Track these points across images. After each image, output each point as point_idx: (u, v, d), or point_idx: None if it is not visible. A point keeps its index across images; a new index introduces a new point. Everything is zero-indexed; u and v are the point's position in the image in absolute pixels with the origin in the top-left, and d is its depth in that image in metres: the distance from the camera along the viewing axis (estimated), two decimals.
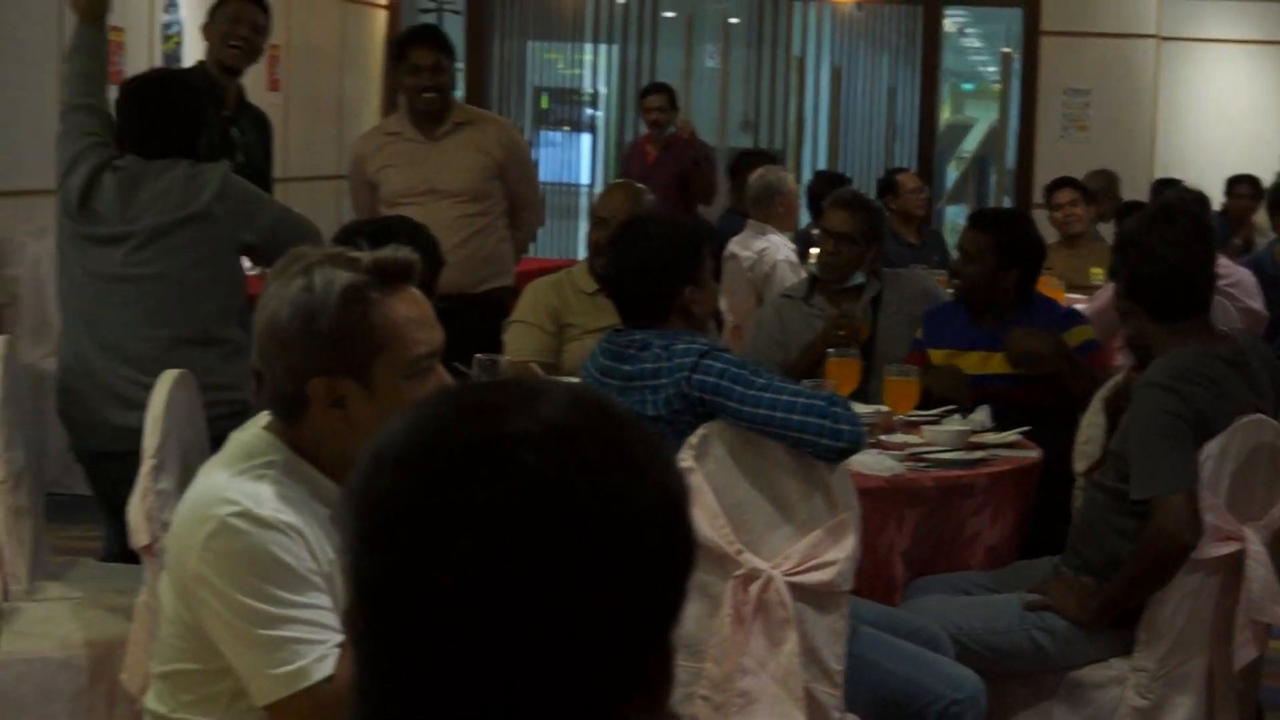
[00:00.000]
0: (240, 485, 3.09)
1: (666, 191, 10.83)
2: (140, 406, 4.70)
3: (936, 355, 6.37)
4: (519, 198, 7.88)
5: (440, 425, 1.56)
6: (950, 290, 7.24)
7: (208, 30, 7.28)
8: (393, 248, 3.20)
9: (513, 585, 1.50)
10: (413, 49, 7.68)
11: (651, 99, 12.65)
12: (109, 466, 5.44)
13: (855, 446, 4.49)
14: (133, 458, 4.59)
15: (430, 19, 15.36)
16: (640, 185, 6.82)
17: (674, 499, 1.58)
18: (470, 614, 1.50)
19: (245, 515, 3.05)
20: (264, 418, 3.25)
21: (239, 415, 4.98)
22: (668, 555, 1.56)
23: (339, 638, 3.07)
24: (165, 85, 6.01)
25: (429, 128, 7.64)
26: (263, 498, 3.08)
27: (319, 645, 3.06)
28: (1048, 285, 9.41)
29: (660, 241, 4.83)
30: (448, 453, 1.53)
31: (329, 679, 3.04)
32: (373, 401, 3.14)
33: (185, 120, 5.85)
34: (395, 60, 7.98)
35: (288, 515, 3.08)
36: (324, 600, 3.09)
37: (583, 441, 1.54)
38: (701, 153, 12.32)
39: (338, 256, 3.16)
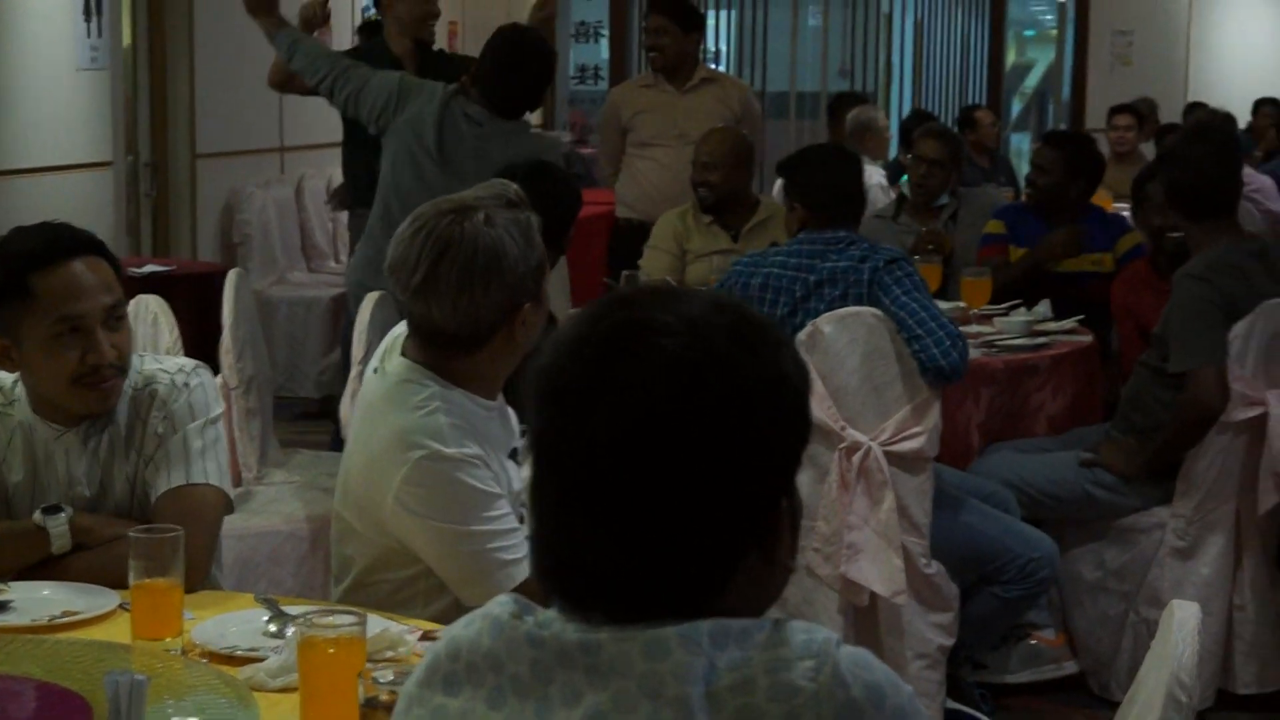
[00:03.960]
0: (422, 428, 2.94)
1: None
2: None
3: (1019, 252, 6.29)
4: None
5: (599, 315, 1.59)
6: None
7: (398, 7, 6.60)
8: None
9: (645, 444, 1.53)
10: (650, 16, 7.52)
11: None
12: None
13: (953, 373, 4.51)
14: None
15: None
16: (733, 127, 6.73)
17: (790, 383, 1.59)
18: (608, 465, 1.53)
19: (434, 457, 2.92)
20: (394, 349, 3.10)
21: None
22: (776, 426, 1.57)
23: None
24: (532, 53, 5.61)
25: (678, 82, 7.35)
26: (445, 436, 2.93)
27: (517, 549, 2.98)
28: (1099, 196, 9.32)
29: (854, 166, 5.04)
30: (600, 336, 1.57)
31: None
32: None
33: (540, 89, 5.63)
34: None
35: (469, 447, 2.95)
36: (507, 507, 2.99)
37: (714, 332, 1.56)
38: None
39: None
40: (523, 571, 2.97)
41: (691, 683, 1.49)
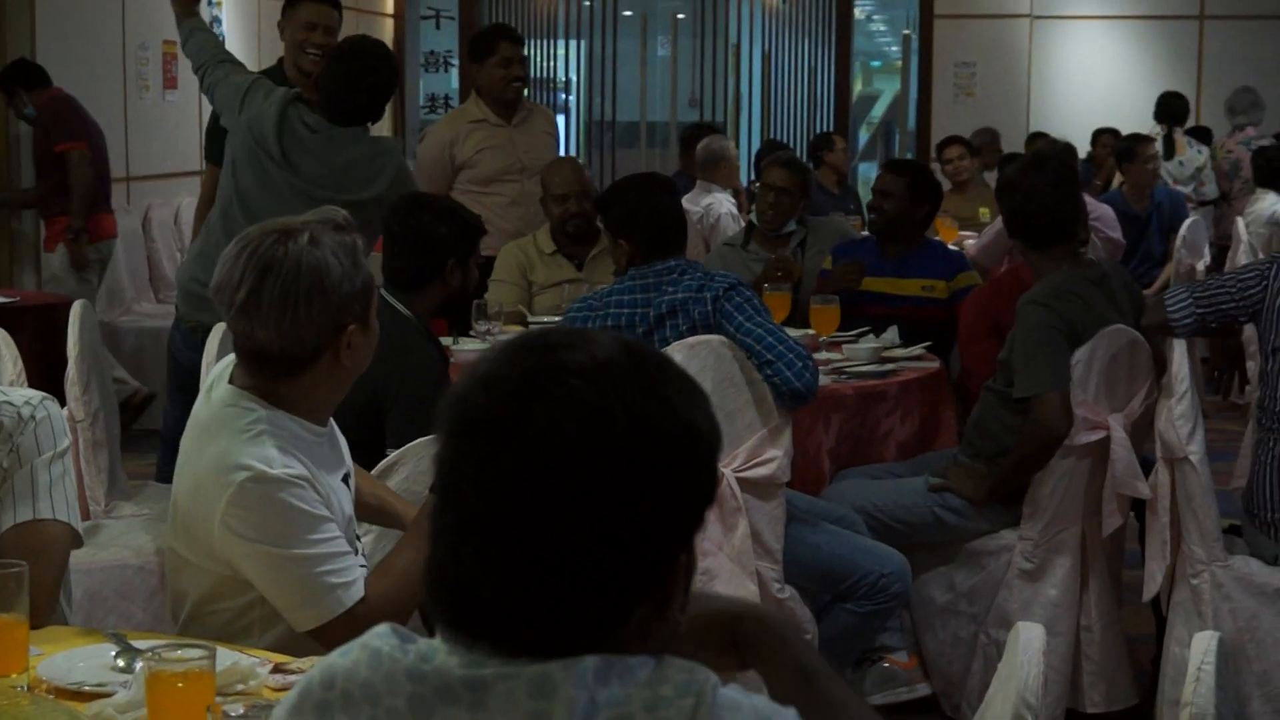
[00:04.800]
0: (246, 450, 2.91)
1: None
2: None
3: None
4: None
5: (517, 352, 1.60)
6: (865, 231, 7.25)
7: (283, 31, 6.35)
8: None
9: (549, 485, 1.53)
10: (503, 44, 7.23)
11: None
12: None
13: (808, 393, 4.52)
14: None
15: (430, 24, 15.24)
16: (578, 159, 6.78)
17: (698, 436, 1.59)
18: (514, 503, 1.53)
19: (259, 478, 2.90)
20: (223, 377, 3.08)
21: None
22: (684, 482, 1.58)
23: (360, 565, 3.01)
24: (373, 69, 5.54)
25: (508, 114, 7.23)
26: (270, 458, 2.91)
27: (348, 573, 2.96)
28: (944, 225, 9.46)
29: (670, 191, 4.98)
30: (517, 374, 1.57)
31: (361, 600, 2.96)
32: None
33: (380, 102, 5.57)
34: (483, 54, 7.26)
35: (294, 468, 2.93)
36: (336, 530, 2.97)
37: (626, 377, 1.56)
38: None
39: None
40: (353, 595, 2.95)
41: (572, 718, 1.50)
